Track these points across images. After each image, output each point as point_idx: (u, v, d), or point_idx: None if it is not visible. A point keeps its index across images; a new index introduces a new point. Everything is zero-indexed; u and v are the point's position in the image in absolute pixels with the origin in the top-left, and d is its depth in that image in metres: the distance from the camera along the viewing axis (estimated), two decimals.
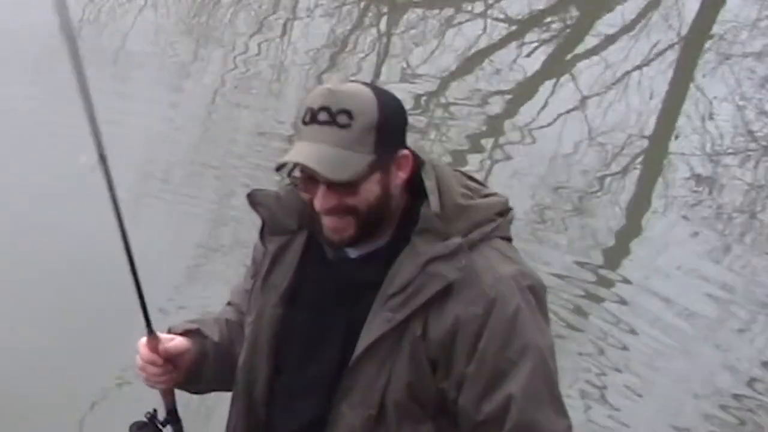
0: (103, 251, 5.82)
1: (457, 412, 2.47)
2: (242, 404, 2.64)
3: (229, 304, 2.85)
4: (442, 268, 2.41)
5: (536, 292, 2.47)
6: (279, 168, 2.46)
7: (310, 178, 2.41)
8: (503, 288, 2.42)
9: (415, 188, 2.49)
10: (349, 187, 2.38)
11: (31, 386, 4.90)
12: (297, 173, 2.46)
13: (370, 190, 2.41)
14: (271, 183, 7.00)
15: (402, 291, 2.42)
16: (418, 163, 2.49)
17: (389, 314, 2.43)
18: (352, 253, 2.50)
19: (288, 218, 2.58)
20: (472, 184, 2.55)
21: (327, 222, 2.43)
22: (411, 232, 2.46)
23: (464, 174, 2.57)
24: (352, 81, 2.49)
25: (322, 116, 2.38)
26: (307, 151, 2.37)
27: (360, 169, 2.38)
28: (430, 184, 2.46)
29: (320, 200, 2.40)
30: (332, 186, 2.38)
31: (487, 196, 2.53)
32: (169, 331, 2.76)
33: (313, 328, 2.54)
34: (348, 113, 2.37)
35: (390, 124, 2.43)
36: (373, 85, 2.49)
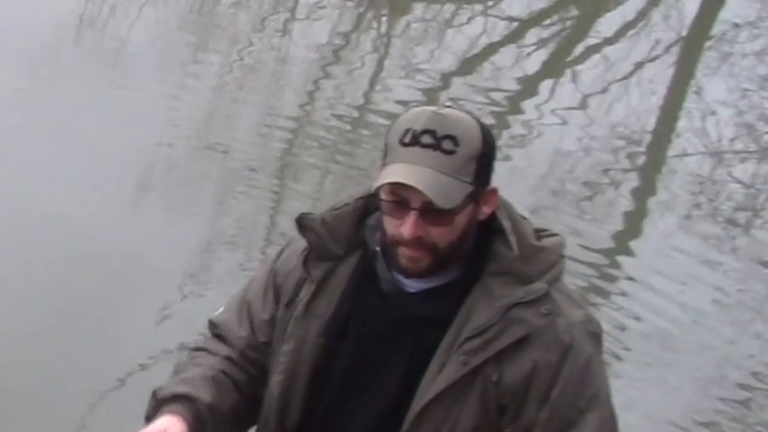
0: (101, 244, 5.85)
1: None
2: None
3: (215, 336, 2.65)
4: (526, 314, 2.35)
5: (599, 338, 2.45)
6: (378, 189, 2.34)
7: (401, 202, 2.31)
8: (576, 334, 2.38)
9: (485, 224, 2.41)
10: (444, 216, 2.31)
11: (29, 384, 4.90)
12: (385, 197, 2.34)
13: (461, 222, 2.34)
14: (271, 183, 7.01)
15: (480, 335, 2.35)
16: None
17: (465, 357, 2.35)
18: (411, 286, 2.41)
19: (335, 244, 2.47)
20: (526, 221, 2.48)
21: (405, 251, 2.34)
22: (482, 270, 2.39)
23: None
24: (451, 107, 2.40)
25: (426, 139, 2.29)
26: (410, 173, 2.27)
27: (461, 198, 2.30)
28: (506, 223, 2.39)
29: (410, 228, 2.30)
30: (424, 214, 2.30)
31: (537, 231, 2.46)
32: (156, 399, 2.56)
33: (362, 363, 2.45)
34: (454, 139, 2.29)
35: (489, 156, 2.37)
36: (473, 114, 2.41)
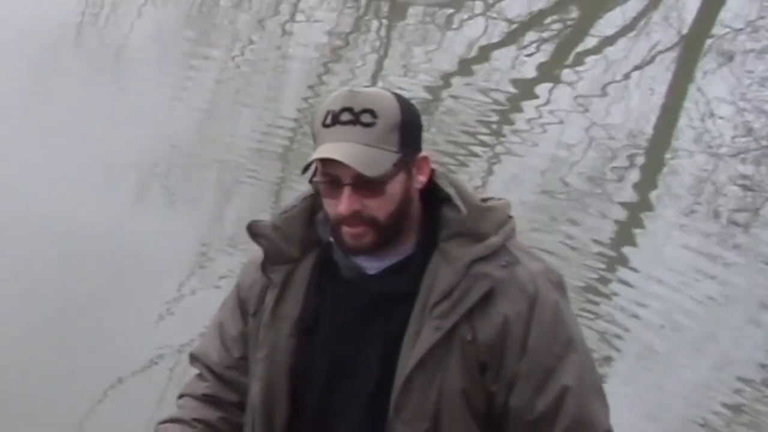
0: (101, 244, 5.85)
1: (507, 416, 2.44)
2: None
3: (199, 375, 2.66)
4: (487, 268, 2.40)
5: (564, 287, 2.50)
6: (305, 170, 2.41)
7: (333, 182, 2.37)
8: (540, 284, 2.43)
9: (428, 195, 2.46)
10: (376, 187, 2.36)
11: (29, 384, 4.90)
12: (318, 178, 2.41)
13: (395, 191, 2.39)
14: (271, 182, 7.02)
15: (447, 297, 2.39)
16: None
17: (437, 322, 2.39)
18: (371, 269, 2.46)
19: (290, 246, 2.51)
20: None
21: (347, 229, 2.39)
22: (435, 238, 2.43)
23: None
24: (366, 86, 2.49)
25: (345, 116, 2.37)
26: (334, 149, 2.35)
27: (388, 166, 2.36)
28: (450, 189, 2.44)
29: (345, 203, 2.36)
30: (358, 188, 2.36)
31: (484, 199, 2.51)
32: None
33: (340, 352, 2.48)
34: (371, 112, 2.37)
35: (411, 124, 2.43)
36: (390, 89, 2.49)
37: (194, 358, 2.68)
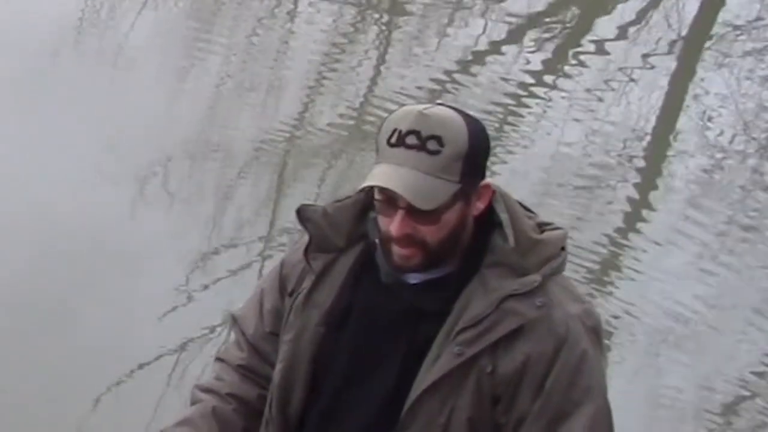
0: (101, 244, 5.85)
1: None
2: (276, 427, 2.57)
3: (237, 342, 2.69)
4: (520, 306, 2.37)
5: (598, 333, 2.45)
6: (361, 190, 2.40)
7: (389, 201, 2.35)
8: (572, 327, 2.39)
9: (484, 217, 2.44)
10: (431, 215, 2.34)
11: (29, 384, 4.90)
12: (376, 196, 2.39)
13: (450, 219, 2.36)
14: (272, 181, 7.01)
15: (475, 326, 2.37)
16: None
17: (459, 348, 2.37)
18: (412, 278, 2.44)
19: (336, 236, 2.50)
20: (530, 214, 2.50)
21: (396, 249, 2.37)
22: (479, 262, 2.41)
23: (519, 202, 2.52)
24: (441, 104, 2.42)
25: (411, 140, 2.32)
26: (392, 175, 2.31)
27: (445, 198, 2.33)
28: (504, 216, 2.41)
29: (397, 226, 2.34)
30: (412, 213, 2.33)
31: (541, 224, 2.48)
32: None
33: (362, 350, 2.48)
34: (438, 139, 2.32)
35: (477, 154, 2.38)
36: (462, 111, 2.42)
37: (234, 321, 2.71)
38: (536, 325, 2.37)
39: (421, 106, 2.36)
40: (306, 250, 2.53)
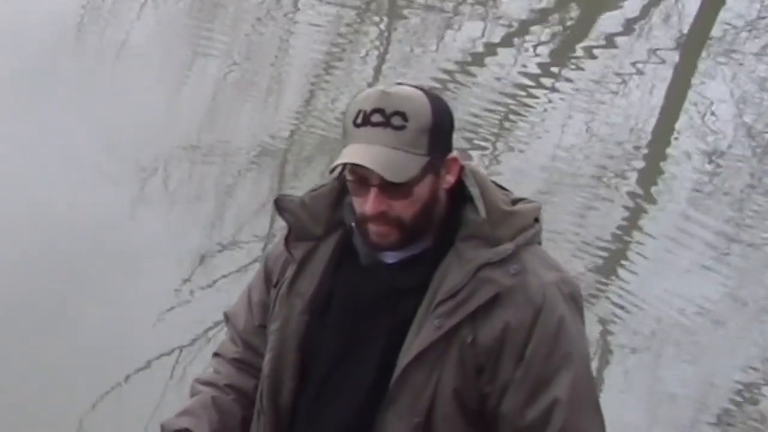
0: (100, 244, 5.85)
1: (497, 420, 2.46)
2: (268, 417, 2.60)
3: (231, 338, 2.77)
4: (495, 274, 2.41)
5: (576, 300, 2.49)
6: (332, 170, 2.45)
7: (361, 181, 2.40)
8: (549, 294, 2.43)
9: (456, 193, 2.48)
10: (402, 189, 2.38)
11: (29, 384, 4.90)
12: (347, 177, 2.43)
13: (422, 192, 2.41)
14: (272, 180, 7.01)
15: (452, 297, 2.41)
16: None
17: (439, 321, 2.41)
18: (389, 258, 2.48)
19: (314, 224, 2.55)
20: (504, 191, 2.54)
21: (372, 227, 2.41)
22: (454, 236, 2.45)
23: (494, 181, 2.56)
24: (402, 83, 2.48)
25: (376, 118, 2.38)
26: (362, 153, 2.36)
27: (415, 171, 2.38)
28: (474, 190, 2.45)
29: (371, 204, 2.39)
30: (384, 189, 2.38)
31: (515, 200, 2.52)
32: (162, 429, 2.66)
33: (347, 334, 2.51)
34: (402, 115, 2.38)
35: (442, 126, 2.43)
36: (423, 88, 2.48)
37: (226, 318, 2.78)
38: (513, 294, 2.41)
39: (382, 86, 2.42)
40: (286, 240, 2.58)
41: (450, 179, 2.46)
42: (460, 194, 2.48)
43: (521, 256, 2.44)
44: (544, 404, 2.41)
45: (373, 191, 2.38)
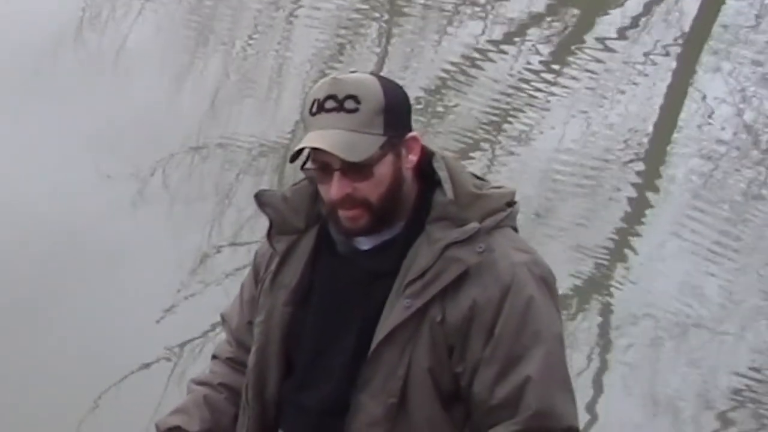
0: (100, 244, 5.85)
1: (469, 398, 2.49)
2: (253, 410, 2.63)
3: (227, 339, 2.81)
4: (461, 252, 2.45)
5: (548, 281, 2.52)
6: (293, 159, 2.49)
7: (323, 167, 2.45)
8: (518, 274, 2.46)
9: (426, 178, 2.53)
10: (363, 170, 2.43)
11: (29, 384, 4.90)
12: (310, 166, 2.49)
13: (384, 173, 2.45)
14: (272, 180, 7.01)
15: (420, 277, 2.45)
16: (427, 153, 2.54)
17: (408, 301, 2.45)
18: (365, 244, 2.53)
19: (295, 218, 2.60)
20: (479, 178, 2.59)
21: (342, 213, 2.46)
22: (424, 220, 2.50)
23: (472, 173, 2.60)
24: (353, 71, 2.56)
25: (329, 104, 2.44)
26: (319, 138, 2.42)
27: (373, 150, 2.43)
28: (443, 173, 2.50)
29: (335, 188, 2.43)
30: (346, 172, 2.42)
31: (494, 188, 2.57)
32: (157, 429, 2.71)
33: (325, 322, 2.56)
34: (354, 98, 2.43)
35: (396, 106, 2.49)
36: (373, 73, 2.56)
37: (222, 320, 2.83)
38: (481, 272, 2.45)
39: (333, 75, 2.51)
40: (269, 234, 2.63)
41: (412, 158, 2.50)
42: (430, 179, 2.52)
43: (492, 237, 2.48)
44: (515, 382, 2.44)
45: (336, 175, 2.43)
